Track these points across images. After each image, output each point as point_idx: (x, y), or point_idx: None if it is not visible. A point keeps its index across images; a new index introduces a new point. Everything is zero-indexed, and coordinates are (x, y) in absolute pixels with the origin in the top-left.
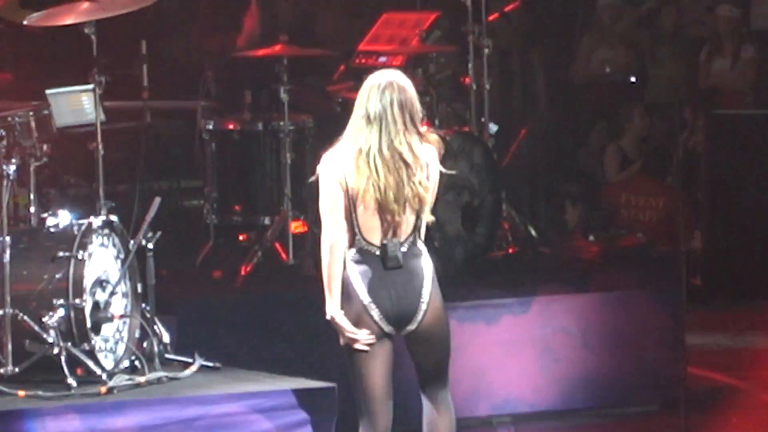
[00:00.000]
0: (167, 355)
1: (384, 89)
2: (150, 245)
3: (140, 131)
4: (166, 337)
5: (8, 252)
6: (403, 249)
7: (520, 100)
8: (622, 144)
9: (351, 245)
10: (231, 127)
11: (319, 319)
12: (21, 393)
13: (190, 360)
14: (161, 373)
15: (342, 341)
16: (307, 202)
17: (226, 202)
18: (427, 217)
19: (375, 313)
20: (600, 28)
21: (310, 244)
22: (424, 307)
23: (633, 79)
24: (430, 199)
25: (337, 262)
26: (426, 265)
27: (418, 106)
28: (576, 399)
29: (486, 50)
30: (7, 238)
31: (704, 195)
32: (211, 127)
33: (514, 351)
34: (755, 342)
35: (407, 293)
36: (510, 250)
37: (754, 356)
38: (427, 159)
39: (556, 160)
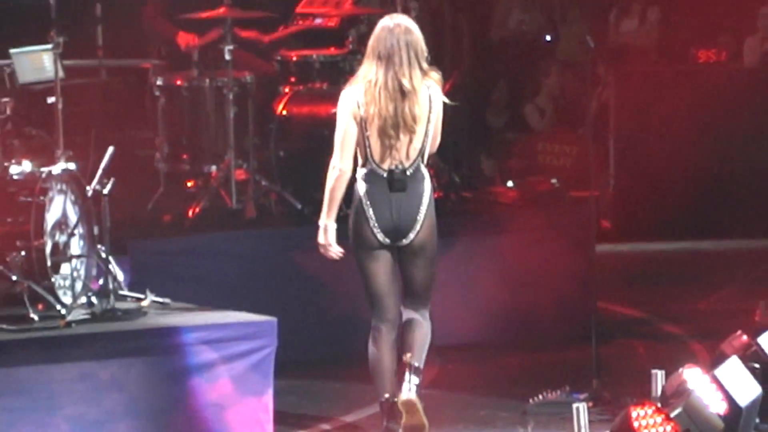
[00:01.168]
0: (121, 292)
1: (392, 30)
2: (105, 191)
3: (95, 87)
4: (120, 275)
5: None
6: (408, 172)
7: (449, 58)
8: (539, 100)
9: (363, 165)
10: (179, 83)
11: (260, 258)
12: None
13: (142, 296)
14: (115, 308)
15: (320, 249)
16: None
17: (174, 152)
18: (432, 146)
19: (375, 227)
20: None
21: (251, 189)
22: (418, 226)
23: (548, 38)
24: (426, 127)
25: (340, 189)
26: (426, 187)
27: (422, 46)
28: (497, 332)
29: (414, 13)
30: None
31: (613, 144)
32: (161, 83)
33: (440, 288)
34: (660, 279)
35: (407, 212)
36: (435, 195)
37: (659, 291)
38: (429, 92)
39: (472, 114)
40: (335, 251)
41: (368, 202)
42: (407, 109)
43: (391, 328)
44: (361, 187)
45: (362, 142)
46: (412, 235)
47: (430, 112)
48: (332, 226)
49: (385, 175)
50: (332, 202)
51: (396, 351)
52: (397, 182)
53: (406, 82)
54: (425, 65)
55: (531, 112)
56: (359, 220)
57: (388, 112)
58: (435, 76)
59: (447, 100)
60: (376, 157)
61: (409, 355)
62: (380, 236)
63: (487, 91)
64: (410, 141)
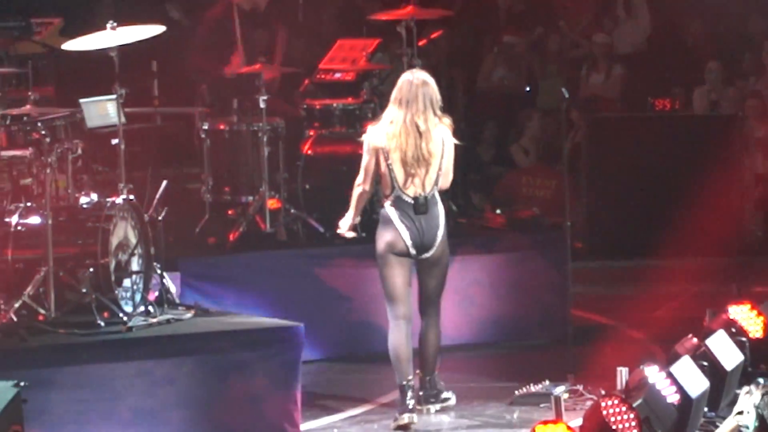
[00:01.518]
0: (173, 302)
1: (412, 82)
2: (160, 217)
3: (152, 131)
4: (173, 288)
5: (50, 223)
6: (428, 198)
7: (445, 106)
8: (523, 141)
9: (390, 194)
10: (222, 127)
11: (290, 273)
12: (61, 331)
13: (190, 305)
14: (168, 316)
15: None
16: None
17: (218, 185)
18: (445, 180)
19: (407, 238)
20: (501, 52)
21: (282, 216)
22: (438, 242)
23: (528, 89)
24: (440, 162)
25: (362, 201)
26: (441, 211)
27: (437, 96)
28: (487, 334)
29: (417, 68)
30: (50, 212)
31: (585, 178)
32: (206, 127)
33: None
34: (624, 291)
35: (429, 230)
36: None
37: (624, 302)
38: (441, 134)
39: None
40: (346, 233)
41: (400, 221)
42: (423, 145)
43: (406, 323)
44: (391, 211)
45: (387, 172)
46: (432, 250)
47: (443, 149)
48: (350, 218)
49: (410, 200)
50: (355, 208)
51: (411, 342)
52: (421, 206)
53: (421, 123)
54: (439, 112)
55: (516, 151)
56: (392, 234)
57: (408, 147)
58: (446, 121)
59: (457, 141)
60: (401, 184)
61: (418, 371)
62: (410, 247)
63: (479, 131)
64: (426, 172)
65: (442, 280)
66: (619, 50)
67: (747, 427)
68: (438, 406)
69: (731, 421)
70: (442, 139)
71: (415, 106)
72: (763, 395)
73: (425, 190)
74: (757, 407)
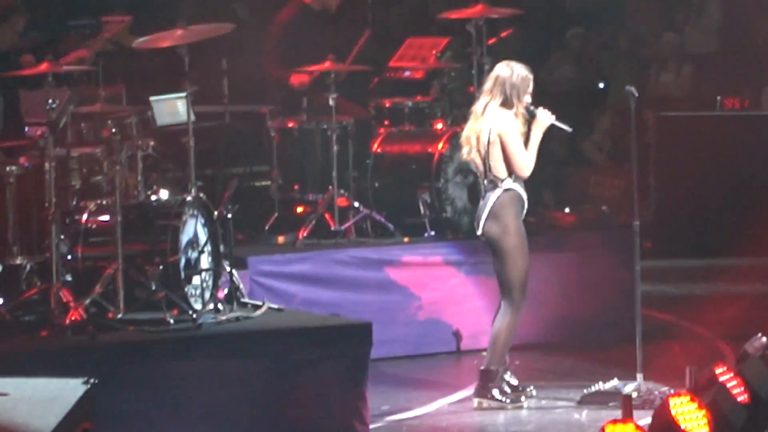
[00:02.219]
0: (242, 300)
1: (497, 66)
2: (229, 215)
3: (221, 129)
4: (242, 286)
5: (120, 220)
6: (485, 182)
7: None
8: (595, 137)
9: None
10: (291, 125)
11: (357, 273)
12: (131, 329)
13: (260, 303)
14: (238, 313)
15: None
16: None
17: (287, 183)
18: (495, 168)
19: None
20: (570, 50)
21: (351, 214)
22: (482, 222)
23: (601, 86)
24: (487, 149)
25: None
26: (491, 195)
27: (514, 83)
28: (555, 334)
29: (486, 66)
30: (120, 210)
31: (654, 177)
32: (275, 125)
33: None
34: (693, 290)
35: (480, 209)
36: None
37: (693, 301)
38: (491, 122)
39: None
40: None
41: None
42: (474, 130)
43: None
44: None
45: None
46: (479, 228)
47: (490, 135)
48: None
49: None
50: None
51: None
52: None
53: (480, 110)
54: (513, 101)
55: (589, 148)
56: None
57: (467, 130)
58: (507, 111)
59: (507, 130)
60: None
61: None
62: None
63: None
64: (479, 156)
65: (499, 266)
66: (688, 49)
67: None
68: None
69: None
70: (489, 124)
71: (486, 94)
72: None
73: (485, 172)
74: None
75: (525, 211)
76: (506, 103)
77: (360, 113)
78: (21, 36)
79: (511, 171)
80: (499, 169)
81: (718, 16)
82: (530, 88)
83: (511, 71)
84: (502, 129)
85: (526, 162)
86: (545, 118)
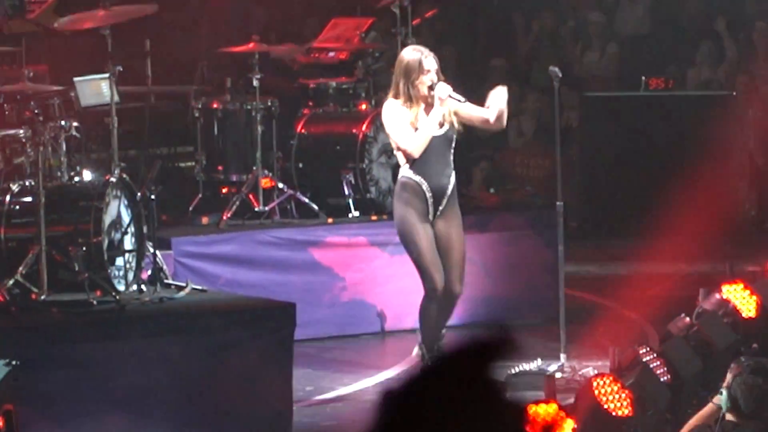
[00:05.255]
0: (166, 281)
1: None
2: (153, 196)
3: (145, 110)
4: (165, 267)
5: (43, 201)
6: None
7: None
8: (521, 119)
9: None
10: (215, 106)
11: (283, 251)
12: (54, 310)
13: (183, 284)
14: (162, 295)
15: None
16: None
17: (211, 164)
18: (397, 157)
19: None
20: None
21: (276, 195)
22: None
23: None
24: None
25: None
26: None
27: (397, 72)
28: (479, 314)
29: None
30: (43, 191)
31: (579, 158)
32: (200, 106)
33: None
34: (616, 270)
35: None
36: None
37: (615, 281)
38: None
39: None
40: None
41: None
42: None
43: None
44: (415, 177)
45: None
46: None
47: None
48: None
49: None
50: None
51: None
52: None
53: None
54: (402, 88)
55: (511, 131)
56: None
57: None
58: (390, 101)
59: (384, 120)
60: None
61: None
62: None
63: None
64: None
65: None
66: (615, 29)
67: (721, 407)
68: None
69: (710, 402)
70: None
71: None
72: (735, 375)
73: None
74: (728, 387)
75: (429, 195)
76: (397, 93)
77: (287, 88)
78: None
79: (405, 158)
80: (399, 157)
81: None
82: (427, 68)
83: (399, 61)
84: (382, 120)
85: (406, 145)
86: (442, 92)
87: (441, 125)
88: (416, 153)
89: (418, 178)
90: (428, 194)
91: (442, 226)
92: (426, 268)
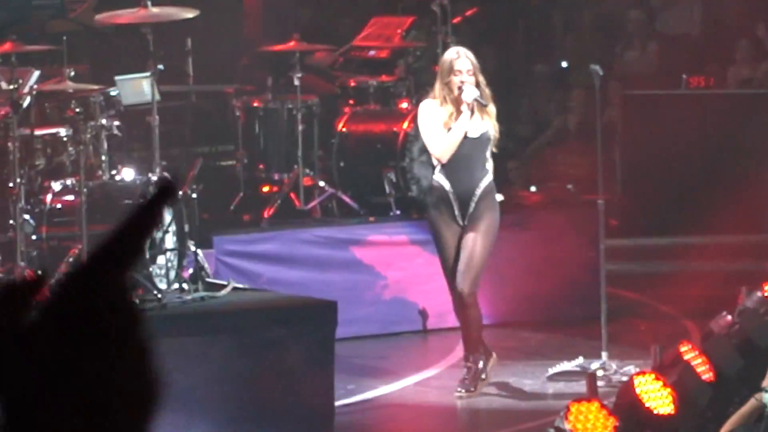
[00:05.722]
0: (208, 279)
1: None
2: (194, 195)
3: (186, 109)
4: (207, 266)
5: (84, 200)
6: None
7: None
8: (566, 117)
9: None
10: (256, 104)
11: (325, 250)
12: None
13: (225, 283)
14: (203, 293)
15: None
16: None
17: (252, 162)
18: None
19: None
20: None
21: (317, 193)
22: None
23: (564, 64)
24: None
25: None
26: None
27: (439, 72)
28: (521, 312)
29: (451, 45)
30: (85, 190)
31: (620, 156)
32: (241, 104)
33: None
34: (658, 268)
35: None
36: None
37: (657, 279)
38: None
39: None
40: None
41: None
42: None
43: None
44: (441, 182)
45: None
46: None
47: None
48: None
49: None
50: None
51: None
52: None
53: None
54: (437, 88)
55: (557, 126)
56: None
57: None
58: (426, 102)
59: (419, 121)
60: None
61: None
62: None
63: (515, 108)
64: None
65: None
66: (656, 27)
67: (766, 405)
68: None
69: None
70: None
71: None
72: None
73: None
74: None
75: (455, 200)
76: (436, 94)
77: (327, 89)
78: None
79: (435, 160)
80: (432, 158)
81: None
82: (458, 69)
83: (440, 61)
84: (417, 122)
85: (433, 148)
86: (467, 95)
87: (477, 128)
88: (444, 157)
89: (445, 182)
90: (453, 198)
91: (469, 228)
92: (446, 276)
